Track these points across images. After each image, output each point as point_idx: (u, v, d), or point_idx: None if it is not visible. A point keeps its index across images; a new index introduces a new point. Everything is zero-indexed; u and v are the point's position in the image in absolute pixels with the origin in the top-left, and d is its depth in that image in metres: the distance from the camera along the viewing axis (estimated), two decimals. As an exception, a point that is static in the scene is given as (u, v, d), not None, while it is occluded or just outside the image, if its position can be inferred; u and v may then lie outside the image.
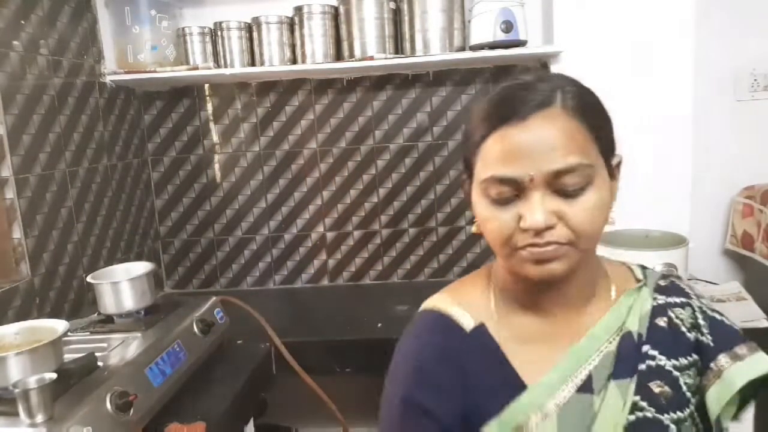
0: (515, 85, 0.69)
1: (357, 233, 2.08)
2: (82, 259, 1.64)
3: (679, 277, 0.79)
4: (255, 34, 1.84)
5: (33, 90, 1.48)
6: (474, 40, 1.74)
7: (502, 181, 0.65)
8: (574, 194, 0.65)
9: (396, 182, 2.04)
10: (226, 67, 1.85)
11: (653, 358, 0.71)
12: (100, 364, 1.09)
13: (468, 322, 0.75)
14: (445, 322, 0.76)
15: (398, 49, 1.84)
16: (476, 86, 1.96)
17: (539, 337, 0.74)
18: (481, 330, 0.75)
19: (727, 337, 0.72)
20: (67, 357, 1.06)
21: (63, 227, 1.56)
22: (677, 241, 1.61)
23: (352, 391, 1.68)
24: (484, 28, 1.71)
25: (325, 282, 2.12)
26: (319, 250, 2.11)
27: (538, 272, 0.67)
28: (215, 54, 1.88)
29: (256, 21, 1.82)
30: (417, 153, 2.01)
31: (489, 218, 0.68)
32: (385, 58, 1.76)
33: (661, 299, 0.74)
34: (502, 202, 0.67)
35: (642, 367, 0.70)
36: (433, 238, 2.07)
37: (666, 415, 0.69)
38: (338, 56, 1.85)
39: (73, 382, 1.01)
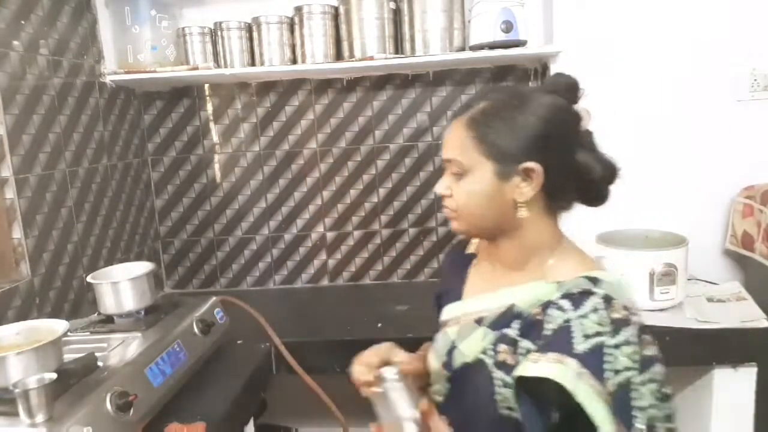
0: (471, 95, 1.03)
1: (357, 233, 2.08)
2: (82, 259, 1.64)
3: (608, 300, 0.85)
4: (255, 34, 1.84)
5: (33, 90, 1.48)
6: (474, 40, 1.74)
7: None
8: (458, 179, 0.93)
9: (396, 182, 2.04)
10: (226, 67, 1.85)
11: (512, 329, 0.90)
12: (100, 364, 1.09)
13: (470, 249, 1.11)
14: (461, 243, 1.15)
15: (398, 49, 1.84)
16: (476, 86, 1.96)
17: (485, 276, 1.02)
18: (471, 255, 1.09)
19: (552, 345, 0.83)
20: (67, 357, 1.07)
21: (63, 227, 1.56)
22: (677, 241, 1.61)
23: (352, 391, 1.68)
24: (484, 28, 1.71)
25: (325, 282, 2.12)
26: (319, 250, 2.11)
27: (452, 227, 0.98)
28: (215, 54, 1.88)
29: (256, 21, 1.82)
30: (417, 153, 2.01)
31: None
32: (385, 58, 1.76)
33: (557, 299, 0.87)
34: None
35: (504, 330, 0.91)
36: (433, 238, 2.07)
37: (498, 371, 0.89)
38: (338, 56, 1.85)
39: (73, 382, 1.01)
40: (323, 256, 2.11)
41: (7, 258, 1.40)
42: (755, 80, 1.81)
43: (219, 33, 1.85)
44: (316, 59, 1.81)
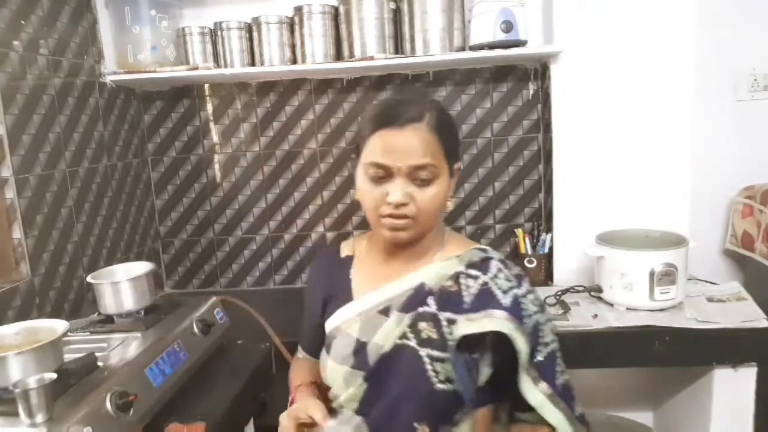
0: (396, 100, 1.00)
1: (357, 233, 2.08)
2: (82, 259, 1.64)
3: (504, 262, 1.01)
4: (255, 34, 1.84)
5: (33, 90, 1.48)
6: (474, 40, 1.74)
7: (379, 166, 0.94)
8: (423, 184, 0.95)
9: (396, 182, 2.03)
10: (226, 67, 1.85)
11: (429, 306, 0.98)
12: (100, 364, 1.09)
13: (344, 252, 1.14)
14: (332, 251, 1.17)
15: (398, 49, 1.84)
16: (476, 86, 1.96)
17: (377, 274, 1.06)
18: (348, 258, 1.13)
19: (482, 304, 0.94)
20: (67, 357, 1.07)
21: (63, 227, 1.56)
22: (677, 241, 1.61)
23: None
24: (484, 28, 1.71)
25: (325, 282, 2.12)
26: (319, 250, 2.11)
27: (392, 236, 0.98)
28: (215, 54, 1.88)
29: (256, 21, 1.82)
30: (417, 153, 2.01)
31: (366, 191, 0.98)
32: (385, 58, 1.76)
33: (463, 270, 0.99)
34: (376, 180, 0.96)
35: (420, 309, 0.97)
36: (433, 238, 2.06)
37: (424, 349, 0.95)
38: (338, 56, 1.85)
39: (73, 382, 1.01)
40: (323, 256, 2.11)
41: (7, 258, 1.40)
42: (755, 80, 1.81)
43: (219, 33, 1.85)
44: (316, 59, 1.81)
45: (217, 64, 1.87)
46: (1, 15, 1.39)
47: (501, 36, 1.69)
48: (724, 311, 1.57)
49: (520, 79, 1.95)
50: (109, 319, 1.32)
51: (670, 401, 1.83)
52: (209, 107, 2.03)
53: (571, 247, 1.86)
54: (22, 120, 1.43)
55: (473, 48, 1.76)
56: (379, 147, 0.94)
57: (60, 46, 1.60)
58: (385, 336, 0.98)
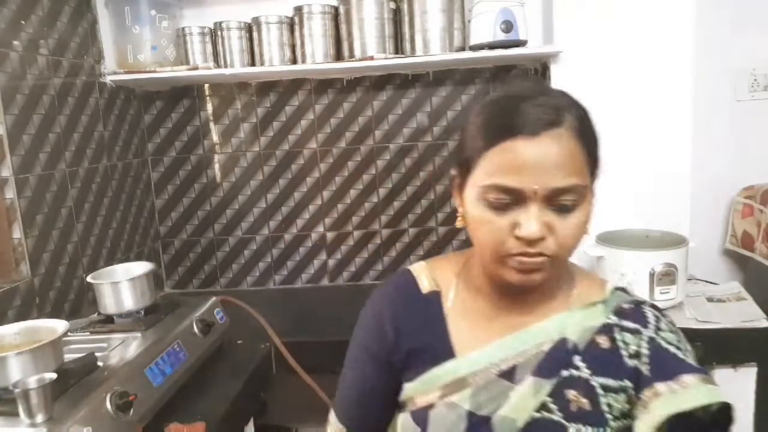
0: (522, 97, 0.72)
1: (357, 233, 2.08)
2: (82, 259, 1.64)
3: (655, 307, 0.79)
4: (255, 34, 1.84)
5: (33, 90, 1.48)
6: (474, 40, 1.74)
7: (506, 190, 0.69)
8: (566, 210, 0.70)
9: (396, 182, 2.04)
10: (226, 67, 1.85)
11: (578, 368, 0.74)
12: (100, 364, 1.09)
13: (427, 286, 0.85)
14: (407, 281, 0.86)
15: (398, 49, 1.84)
16: (476, 86, 1.96)
17: (486, 321, 0.80)
18: (434, 295, 0.84)
19: (668, 370, 0.71)
20: (67, 357, 1.07)
21: (63, 227, 1.56)
22: (677, 241, 1.61)
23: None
24: (484, 28, 1.71)
25: (325, 282, 2.12)
26: (319, 250, 2.11)
27: (521, 280, 0.72)
28: (215, 54, 1.88)
29: (256, 21, 1.82)
30: (417, 153, 2.01)
31: (484, 221, 0.72)
32: (385, 58, 1.76)
33: (614, 320, 0.77)
34: (499, 207, 0.70)
35: (564, 373, 0.74)
36: (433, 238, 2.07)
37: (573, 424, 0.72)
38: (338, 56, 1.85)
39: (73, 382, 1.01)
40: (323, 256, 2.11)
41: (7, 258, 1.40)
42: (755, 80, 1.81)
43: (219, 33, 1.85)
44: (316, 59, 1.81)
45: (217, 64, 1.87)
46: (1, 15, 1.39)
47: (501, 36, 1.69)
48: (724, 311, 1.57)
49: (521, 79, 1.95)
50: (109, 319, 1.32)
51: (670, 401, 1.83)
52: (209, 107, 2.03)
53: (571, 247, 1.85)
54: (22, 120, 1.43)
55: (473, 48, 1.76)
56: (504, 164, 0.69)
57: (60, 46, 1.60)
58: (518, 408, 0.74)
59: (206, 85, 2.02)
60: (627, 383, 0.73)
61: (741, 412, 1.56)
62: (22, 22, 1.46)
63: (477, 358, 0.77)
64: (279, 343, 1.48)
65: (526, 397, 0.74)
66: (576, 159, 0.71)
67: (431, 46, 1.77)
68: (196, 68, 1.81)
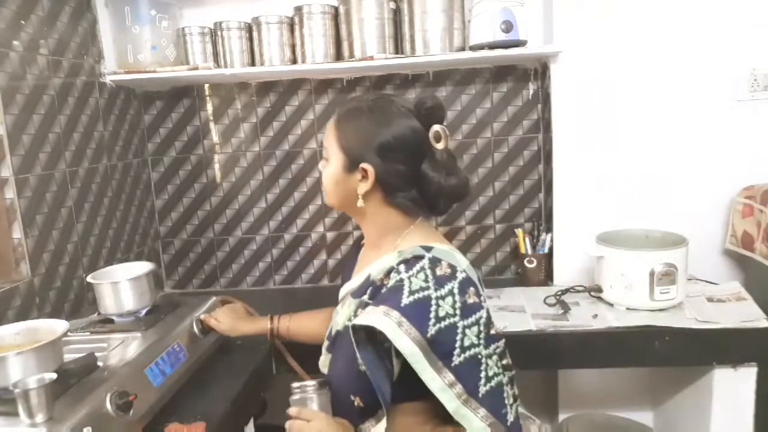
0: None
1: (357, 233, 2.08)
2: (82, 259, 1.64)
3: (434, 264, 1.00)
4: (255, 34, 1.84)
5: (33, 90, 1.48)
6: (474, 40, 1.74)
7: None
8: (325, 163, 1.12)
9: (396, 182, 2.03)
10: (226, 67, 1.85)
11: (366, 294, 1.06)
12: (100, 364, 1.09)
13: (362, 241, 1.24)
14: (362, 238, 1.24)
15: (398, 49, 1.84)
16: (476, 86, 1.96)
17: (363, 259, 1.19)
18: (358, 244, 1.27)
19: (382, 298, 1.00)
20: (67, 357, 1.07)
21: (63, 227, 1.56)
22: (677, 241, 1.61)
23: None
24: (484, 28, 1.71)
25: (325, 282, 2.12)
26: (319, 250, 2.11)
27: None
28: (215, 54, 1.88)
29: (256, 21, 1.82)
30: (417, 153, 2.01)
31: None
32: (385, 58, 1.76)
33: (395, 265, 1.03)
34: None
35: (363, 297, 1.06)
36: (433, 238, 2.06)
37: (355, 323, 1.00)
38: (338, 56, 1.85)
39: (73, 382, 1.01)
40: (323, 256, 2.11)
41: (7, 258, 1.40)
42: (755, 80, 1.81)
43: (219, 33, 1.85)
44: (316, 59, 1.81)
45: (217, 64, 1.87)
46: (1, 15, 1.39)
47: (501, 36, 1.69)
48: (724, 311, 1.57)
49: (520, 79, 1.95)
50: (109, 319, 1.32)
51: (670, 401, 1.83)
52: (209, 107, 2.03)
53: (571, 247, 1.86)
54: (22, 120, 1.43)
55: (473, 48, 1.76)
56: None
57: (60, 46, 1.60)
58: (341, 317, 1.11)
59: (206, 85, 2.02)
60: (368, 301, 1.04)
61: (741, 412, 1.57)
62: (22, 22, 1.46)
63: (350, 284, 1.15)
64: (279, 343, 1.48)
65: (345, 310, 1.10)
66: (331, 132, 1.10)
67: (431, 46, 1.77)
68: (196, 68, 1.81)
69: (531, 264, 1.89)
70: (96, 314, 1.36)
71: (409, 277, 0.98)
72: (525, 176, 2.01)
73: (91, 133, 1.71)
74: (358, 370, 1.00)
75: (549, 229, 1.92)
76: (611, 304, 1.65)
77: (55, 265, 1.52)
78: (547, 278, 1.91)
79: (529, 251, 1.91)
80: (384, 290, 1.02)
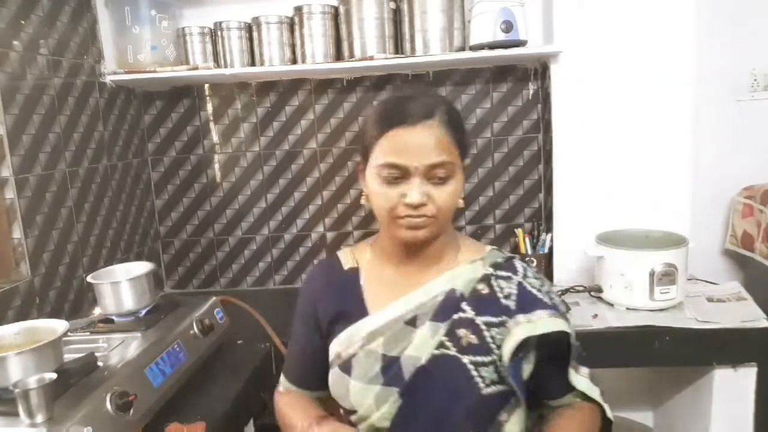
0: (405, 97, 0.95)
1: (357, 233, 2.08)
2: (82, 259, 1.64)
3: (523, 260, 1.03)
4: (255, 34, 1.84)
5: (33, 90, 1.48)
6: (474, 40, 1.74)
7: (394, 166, 0.91)
8: (440, 183, 0.92)
9: (396, 182, 2.03)
10: (226, 67, 1.85)
11: (465, 311, 0.95)
12: (100, 364, 1.10)
13: (347, 264, 1.07)
14: (332, 263, 1.09)
15: (398, 49, 1.84)
16: (476, 86, 1.96)
17: (393, 283, 1.01)
18: (353, 270, 1.05)
19: (528, 306, 0.95)
20: (67, 357, 1.07)
21: (63, 227, 1.56)
22: (677, 241, 1.61)
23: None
24: (484, 28, 1.71)
25: (325, 282, 2.12)
26: (319, 250, 2.11)
27: (411, 235, 0.94)
28: (215, 54, 1.88)
29: (256, 21, 1.82)
30: (417, 153, 2.01)
31: (380, 193, 0.94)
32: (385, 58, 1.76)
33: (491, 271, 0.99)
34: (391, 182, 0.92)
35: (455, 316, 0.95)
36: (433, 238, 2.06)
37: (466, 357, 0.93)
38: (338, 56, 1.85)
39: (73, 382, 1.01)
40: (323, 256, 2.11)
41: (7, 258, 1.40)
42: (755, 80, 1.81)
43: (219, 33, 1.85)
44: (316, 59, 1.81)
45: (217, 64, 1.87)
46: (1, 15, 1.39)
47: (501, 36, 1.69)
48: (724, 311, 1.57)
49: (520, 79, 1.95)
50: (109, 319, 1.32)
51: (670, 401, 1.83)
52: (209, 107, 2.03)
53: (571, 247, 1.86)
54: (22, 120, 1.43)
55: (473, 48, 1.76)
56: (392, 147, 0.91)
57: (60, 46, 1.60)
58: (420, 347, 0.93)
59: (206, 85, 2.02)
60: (503, 318, 0.95)
61: (741, 412, 1.57)
62: (22, 22, 1.46)
63: (387, 313, 0.97)
64: (279, 343, 1.48)
65: (425, 338, 0.94)
66: (444, 142, 0.91)
67: (431, 46, 1.77)
68: (196, 68, 1.82)
69: (531, 264, 1.89)
70: (96, 314, 1.36)
71: (525, 279, 0.98)
72: (525, 176, 2.01)
73: (91, 133, 1.71)
74: (476, 398, 0.92)
75: (549, 229, 1.92)
76: (611, 304, 1.65)
77: (55, 265, 1.52)
78: (547, 278, 1.91)
79: (529, 251, 1.91)
80: (505, 299, 0.96)
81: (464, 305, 0.95)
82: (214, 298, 1.50)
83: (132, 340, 1.22)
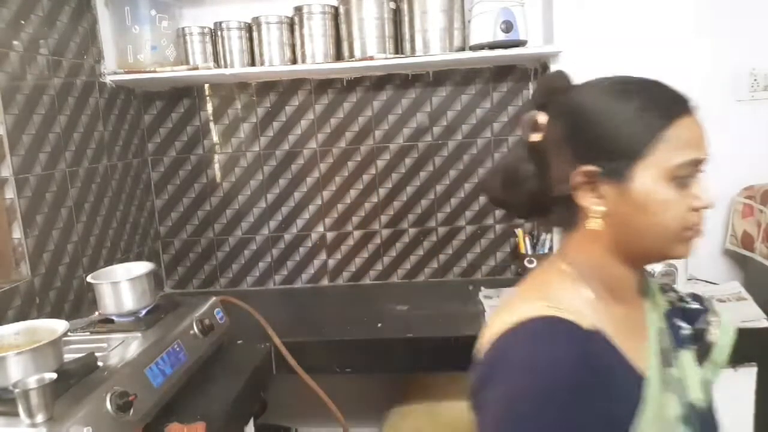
0: (659, 83, 0.77)
1: (357, 233, 2.08)
2: (82, 259, 1.64)
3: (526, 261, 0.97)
4: (255, 34, 1.84)
5: (33, 90, 1.48)
6: (474, 40, 1.74)
7: (699, 162, 0.75)
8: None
9: (396, 182, 2.04)
10: (226, 67, 1.85)
11: (681, 327, 0.84)
12: (100, 364, 1.09)
13: (585, 324, 0.72)
14: (574, 330, 0.71)
15: (398, 49, 1.84)
16: (476, 86, 1.96)
17: (624, 327, 0.77)
18: (597, 331, 0.74)
19: (699, 312, 0.88)
20: (67, 357, 1.06)
21: (63, 227, 1.56)
22: (677, 241, 1.61)
23: (352, 391, 1.68)
24: (484, 28, 1.71)
25: (325, 282, 2.12)
26: (319, 250, 2.11)
27: (689, 251, 0.76)
28: (215, 54, 1.88)
29: (256, 21, 1.82)
30: (417, 153, 2.01)
31: (671, 202, 0.73)
32: (385, 58, 1.76)
33: (675, 291, 0.91)
34: (686, 184, 0.74)
35: (683, 333, 0.84)
36: (433, 238, 2.07)
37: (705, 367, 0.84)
38: (338, 56, 1.85)
39: (73, 382, 1.01)
40: (323, 256, 2.11)
41: (7, 258, 1.40)
42: (755, 80, 1.81)
43: (219, 33, 1.85)
44: (316, 59, 1.81)
45: (217, 64, 1.87)
46: (1, 15, 1.39)
47: (501, 36, 1.69)
48: (725, 311, 1.56)
49: (520, 79, 1.95)
50: (109, 319, 1.32)
51: (670, 401, 1.83)
52: (209, 107, 2.03)
53: (571, 247, 1.85)
54: (22, 120, 1.43)
55: (473, 48, 1.76)
56: (691, 138, 0.75)
57: (60, 46, 1.60)
58: (696, 387, 0.80)
59: (206, 85, 2.02)
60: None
61: (741, 412, 1.57)
62: (22, 22, 1.46)
63: (654, 366, 0.76)
64: (279, 343, 1.48)
65: (692, 369, 0.80)
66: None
67: (431, 46, 1.77)
68: (196, 68, 1.82)
69: (531, 264, 1.89)
70: (96, 314, 1.36)
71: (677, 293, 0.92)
72: (525, 176, 2.01)
73: (91, 133, 1.71)
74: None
75: (549, 229, 1.92)
76: (611, 304, 1.64)
77: (55, 265, 1.52)
78: (547, 278, 1.90)
79: (529, 251, 1.91)
80: (701, 313, 0.88)
81: (678, 321, 0.87)
82: (214, 298, 1.50)
83: (132, 340, 1.22)
